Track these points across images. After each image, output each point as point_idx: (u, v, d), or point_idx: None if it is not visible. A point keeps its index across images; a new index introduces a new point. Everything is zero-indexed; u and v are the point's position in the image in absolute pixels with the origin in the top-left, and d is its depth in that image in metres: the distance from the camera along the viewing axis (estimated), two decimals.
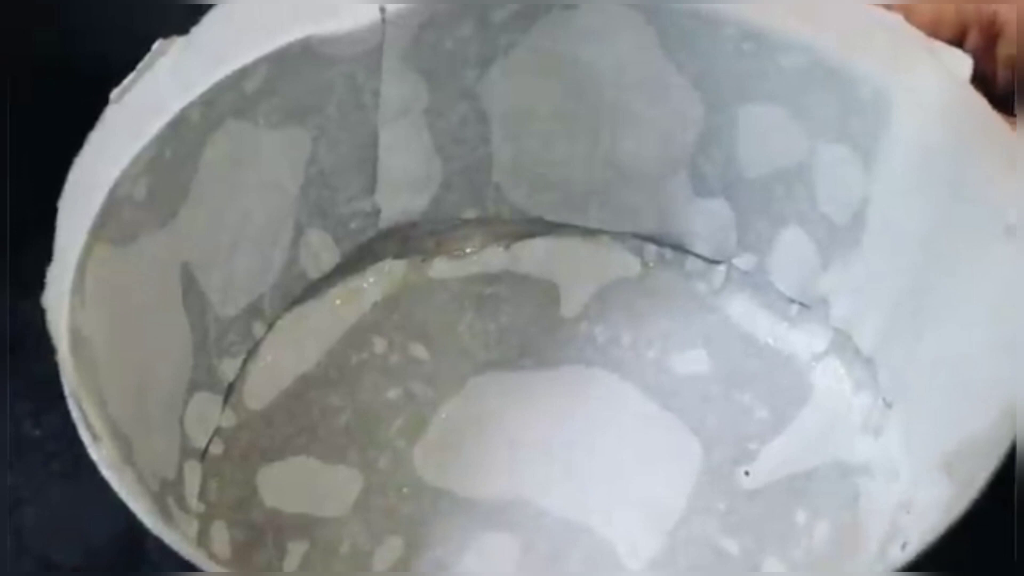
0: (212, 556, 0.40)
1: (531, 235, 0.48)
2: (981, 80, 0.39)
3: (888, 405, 0.42)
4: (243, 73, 0.40)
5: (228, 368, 0.44)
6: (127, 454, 0.35)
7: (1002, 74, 0.42)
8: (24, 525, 0.40)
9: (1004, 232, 0.36)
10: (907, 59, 0.39)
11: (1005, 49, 0.41)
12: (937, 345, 0.39)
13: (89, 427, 0.32)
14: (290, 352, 0.45)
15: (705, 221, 0.46)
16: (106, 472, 0.31)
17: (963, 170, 0.38)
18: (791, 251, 0.45)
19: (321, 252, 0.46)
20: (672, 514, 0.42)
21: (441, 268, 0.48)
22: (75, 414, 0.32)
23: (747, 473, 0.42)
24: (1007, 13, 0.41)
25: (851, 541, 0.41)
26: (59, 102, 0.39)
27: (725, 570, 0.40)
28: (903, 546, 0.38)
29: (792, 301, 0.46)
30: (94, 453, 0.32)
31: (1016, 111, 0.39)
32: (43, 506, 0.40)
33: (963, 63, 0.38)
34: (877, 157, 0.41)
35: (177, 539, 0.30)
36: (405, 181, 0.46)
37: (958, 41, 0.41)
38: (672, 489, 0.42)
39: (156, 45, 0.39)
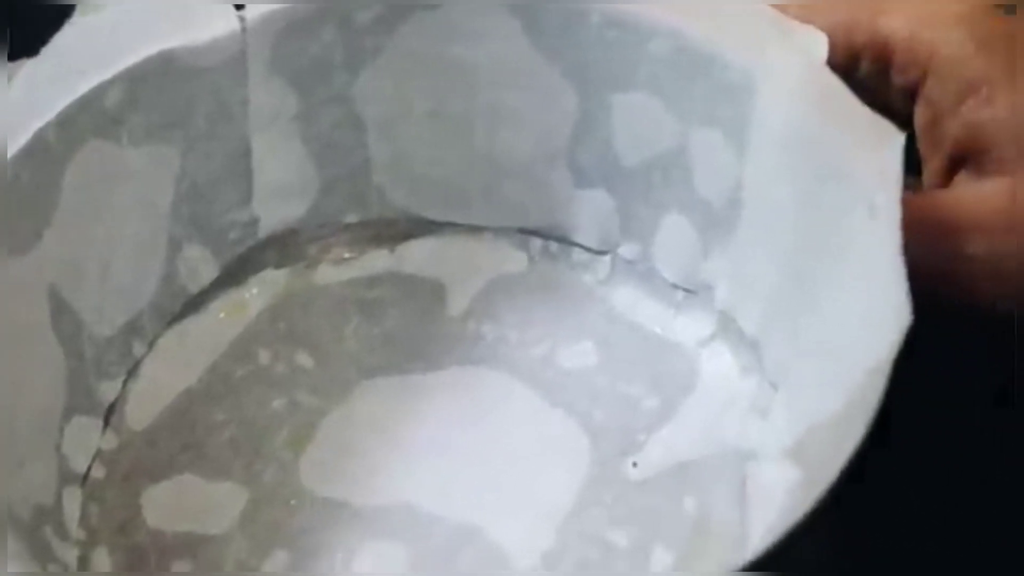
0: None
1: (415, 235, 0.48)
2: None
3: (774, 387, 0.42)
4: (100, 91, 0.40)
5: (108, 389, 0.43)
6: None
7: (897, 105, 0.39)
8: None
9: (868, 211, 0.36)
10: (765, 41, 0.39)
11: (897, 78, 0.39)
12: (812, 328, 0.39)
13: None
14: (172, 369, 0.45)
15: (588, 212, 0.46)
16: None
17: (826, 151, 0.37)
18: (673, 237, 0.45)
19: (199, 266, 0.45)
20: (561, 510, 0.41)
21: (324, 274, 0.47)
22: None
23: (635, 464, 0.42)
24: (898, 33, 0.39)
25: (737, 529, 0.40)
26: None
27: (609, 569, 0.40)
28: None
29: (677, 288, 0.46)
30: None
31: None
32: None
33: (819, 42, 0.38)
34: (747, 141, 0.41)
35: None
36: (282, 189, 0.46)
37: (850, 69, 0.39)
38: (561, 485, 0.42)
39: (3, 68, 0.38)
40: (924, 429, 0.40)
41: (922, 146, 0.40)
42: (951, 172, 0.39)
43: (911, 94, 0.40)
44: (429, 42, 0.44)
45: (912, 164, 0.37)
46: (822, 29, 0.39)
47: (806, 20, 0.39)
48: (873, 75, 0.40)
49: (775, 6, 0.40)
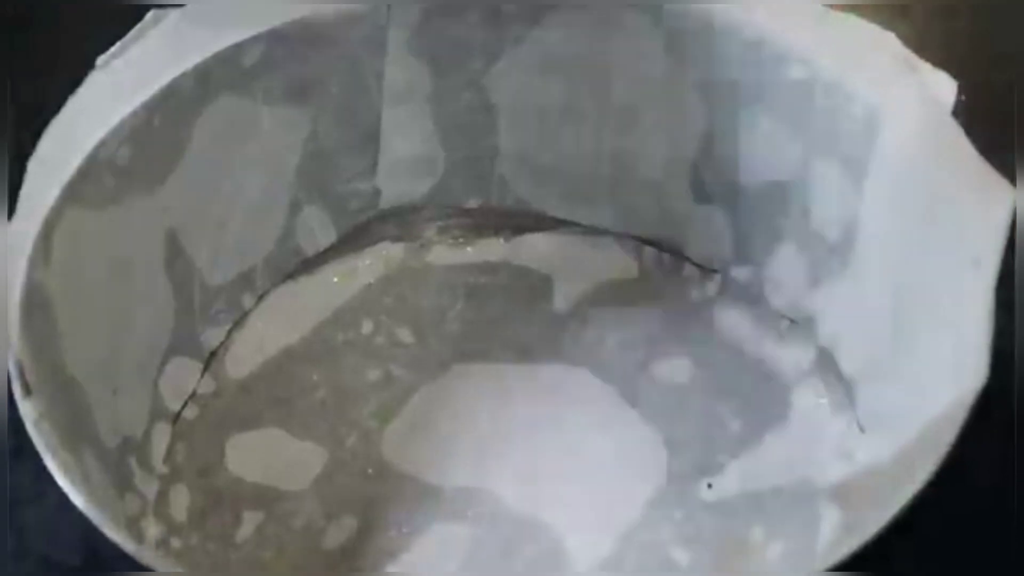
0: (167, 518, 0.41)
1: (532, 229, 0.48)
2: None
3: (862, 430, 0.42)
4: (240, 48, 0.41)
5: (212, 336, 0.45)
6: (75, 409, 0.36)
7: None
8: (24, 525, 0.40)
9: (972, 264, 0.35)
10: (893, 78, 0.38)
11: None
12: (905, 376, 0.38)
13: (23, 381, 0.33)
14: (277, 325, 0.46)
15: (703, 229, 0.46)
16: (29, 426, 0.32)
17: (939, 199, 0.37)
18: (785, 265, 0.44)
19: (317, 229, 0.46)
20: (629, 519, 0.41)
21: (439, 254, 0.48)
22: (12, 370, 0.33)
23: (710, 486, 0.42)
24: None
25: (803, 564, 0.40)
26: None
27: None
28: None
29: (783, 317, 0.45)
30: (21, 408, 0.32)
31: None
32: (43, 506, 0.40)
33: (948, 87, 0.37)
34: (865, 176, 0.40)
35: (79, 492, 0.31)
36: (407, 165, 0.47)
37: None
38: (633, 495, 0.42)
39: (149, 15, 0.40)
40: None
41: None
42: None
43: None
44: (569, 39, 0.44)
45: None
46: None
47: None
48: None
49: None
